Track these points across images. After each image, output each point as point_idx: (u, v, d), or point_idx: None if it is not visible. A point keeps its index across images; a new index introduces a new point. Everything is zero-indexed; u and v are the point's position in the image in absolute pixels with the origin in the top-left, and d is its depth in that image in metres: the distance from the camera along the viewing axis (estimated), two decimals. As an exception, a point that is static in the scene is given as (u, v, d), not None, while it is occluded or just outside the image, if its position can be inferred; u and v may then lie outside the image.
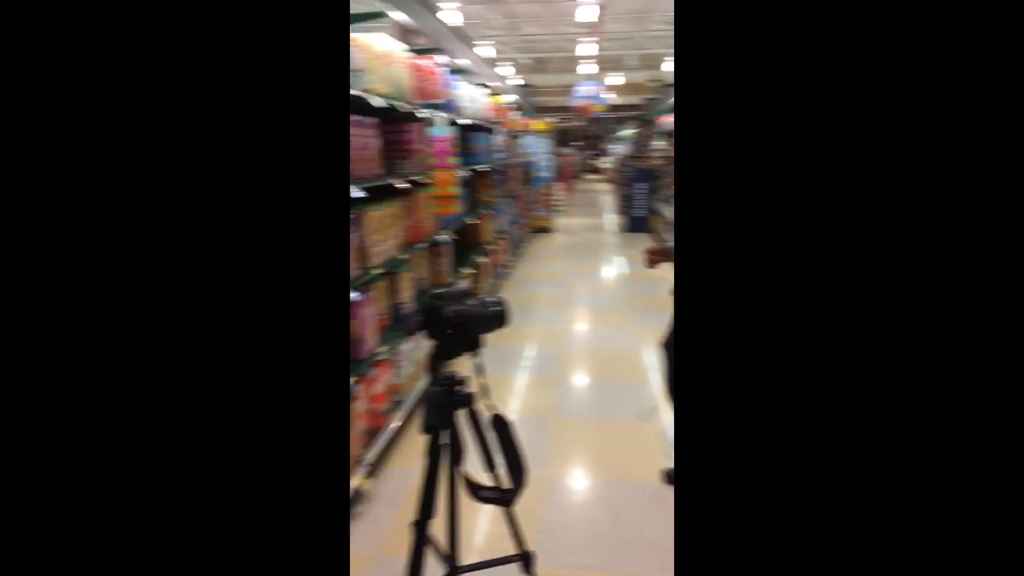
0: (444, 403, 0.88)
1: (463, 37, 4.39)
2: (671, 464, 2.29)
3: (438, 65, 3.15)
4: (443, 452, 0.91)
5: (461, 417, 0.91)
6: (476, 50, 9.75)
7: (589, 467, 2.29)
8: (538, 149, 7.94)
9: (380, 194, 2.50)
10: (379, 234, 2.32)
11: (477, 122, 4.10)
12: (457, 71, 3.60)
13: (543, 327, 4.03)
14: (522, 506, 1.95)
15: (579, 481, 2.20)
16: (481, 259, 4.37)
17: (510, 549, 1.05)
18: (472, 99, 4.09)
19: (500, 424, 0.92)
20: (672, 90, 8.84)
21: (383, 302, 2.48)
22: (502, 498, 0.98)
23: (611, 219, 9.36)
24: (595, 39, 10.93)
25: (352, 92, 2.03)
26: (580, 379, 3.16)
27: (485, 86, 4.51)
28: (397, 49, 2.57)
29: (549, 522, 1.94)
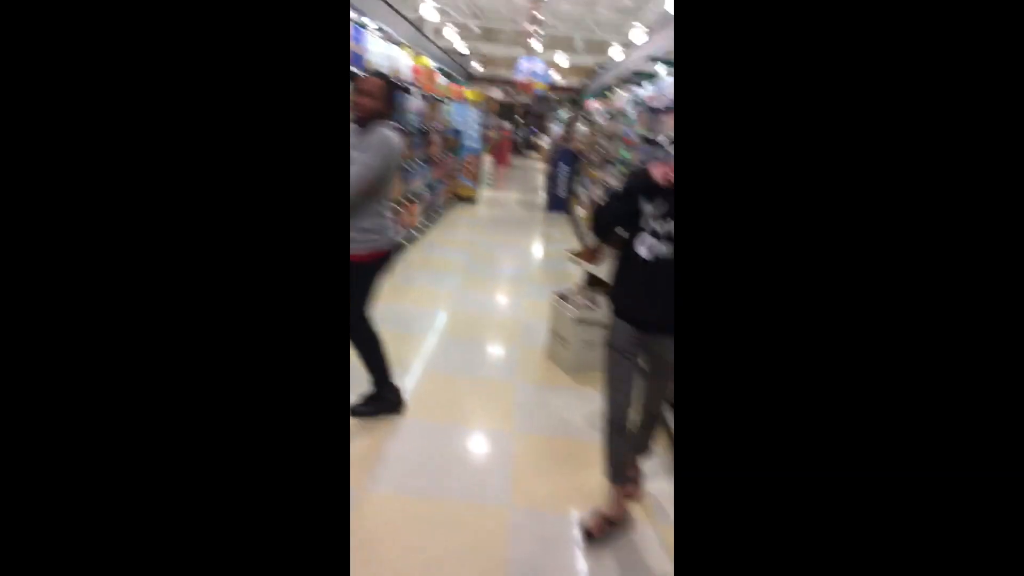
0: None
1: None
2: (516, 417, 2.52)
3: (342, 16, 3.16)
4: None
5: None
6: (421, 9, 9.53)
7: (437, 413, 2.48)
8: (468, 118, 7.98)
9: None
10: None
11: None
12: (363, 26, 3.60)
13: (433, 289, 4.19)
14: (372, 443, 2.13)
15: (424, 424, 2.39)
16: (384, 217, 4.43)
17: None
18: (387, 56, 4.11)
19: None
20: (597, 74, 9.05)
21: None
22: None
23: (540, 197, 9.57)
24: (539, 15, 10.95)
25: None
26: (453, 339, 3.35)
27: (403, 45, 4.51)
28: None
29: (384, 456, 2.12)
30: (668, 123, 3.05)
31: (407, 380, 2.73)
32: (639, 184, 1.59)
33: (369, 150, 2.01)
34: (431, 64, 5.63)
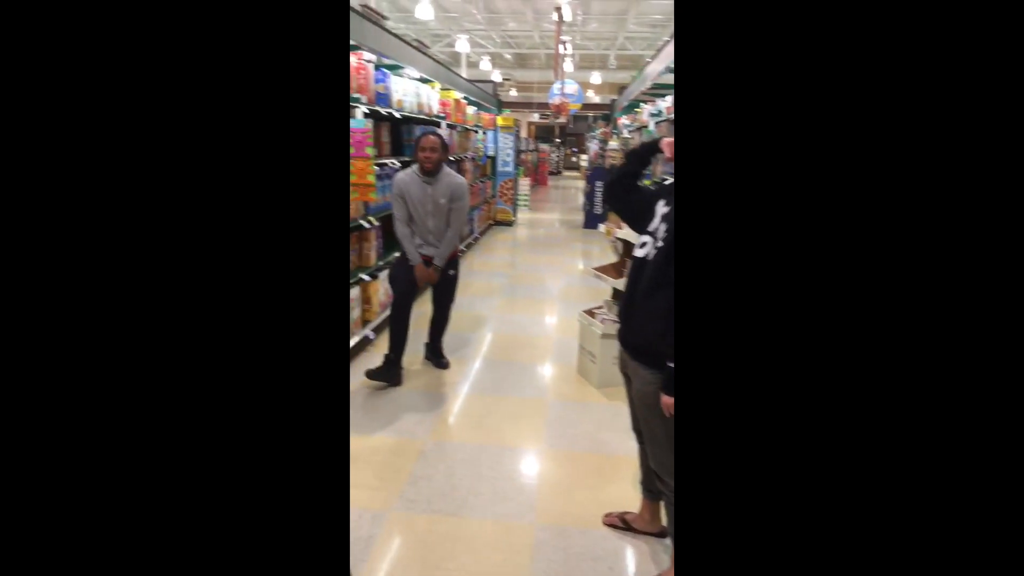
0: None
1: (435, 35, 4.59)
2: (548, 435, 2.55)
3: (366, 62, 3.36)
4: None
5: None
6: (458, 44, 9.88)
7: (464, 433, 2.53)
8: (500, 144, 8.16)
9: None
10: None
11: (415, 115, 4.31)
12: (386, 67, 3.80)
13: (473, 313, 4.27)
14: (396, 464, 2.21)
15: (452, 445, 2.44)
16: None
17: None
18: (413, 94, 4.30)
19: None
20: (622, 92, 9.04)
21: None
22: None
23: (580, 216, 9.60)
24: (570, 38, 11.13)
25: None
26: (487, 359, 3.40)
27: (426, 81, 4.71)
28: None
29: (416, 476, 2.19)
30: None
31: (444, 403, 2.80)
32: (647, 148, 1.62)
33: (459, 196, 2.90)
34: (458, 96, 5.84)
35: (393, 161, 3.81)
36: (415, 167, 2.86)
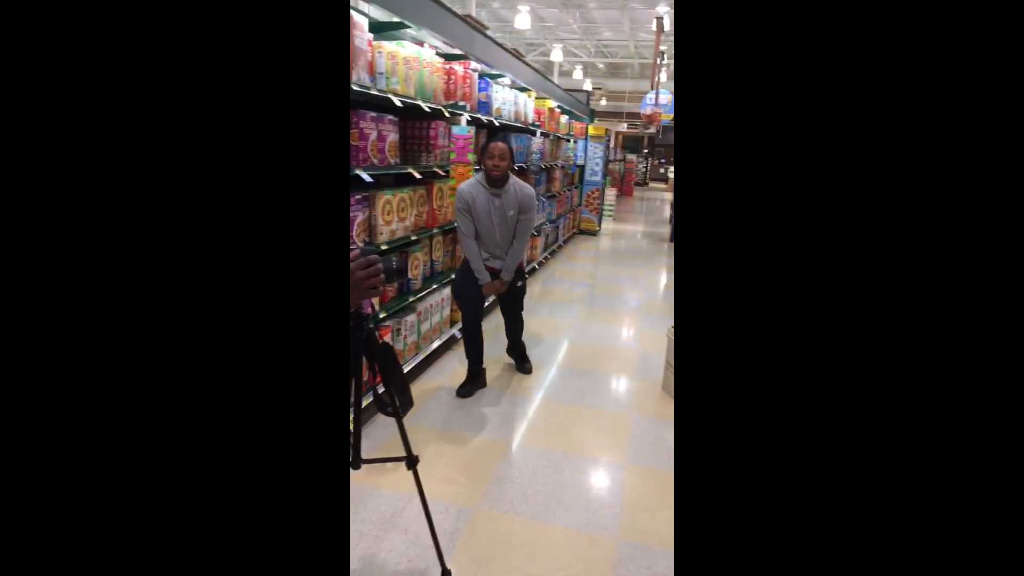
0: (356, 333, 1.20)
1: (530, 44, 4.67)
2: (632, 450, 2.52)
3: (471, 70, 3.47)
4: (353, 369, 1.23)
5: (360, 343, 1.22)
6: (553, 54, 9.99)
7: (546, 439, 2.55)
8: (590, 153, 8.13)
9: (398, 181, 2.86)
10: (389, 216, 2.68)
11: (512, 123, 4.40)
12: (489, 76, 3.91)
13: (553, 320, 4.29)
14: (480, 463, 2.26)
15: (534, 449, 2.46)
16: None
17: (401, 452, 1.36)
18: (511, 102, 4.40)
19: (386, 352, 1.23)
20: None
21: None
22: (393, 412, 1.28)
23: (667, 229, 9.38)
24: (666, 48, 10.92)
25: (372, 92, 2.39)
26: (571, 369, 3.40)
27: (524, 89, 4.79)
28: (427, 55, 2.91)
29: (499, 476, 2.23)
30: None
31: (527, 408, 2.84)
32: None
33: (527, 207, 2.77)
34: (553, 105, 5.89)
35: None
36: (479, 176, 2.73)
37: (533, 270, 5.66)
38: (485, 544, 1.85)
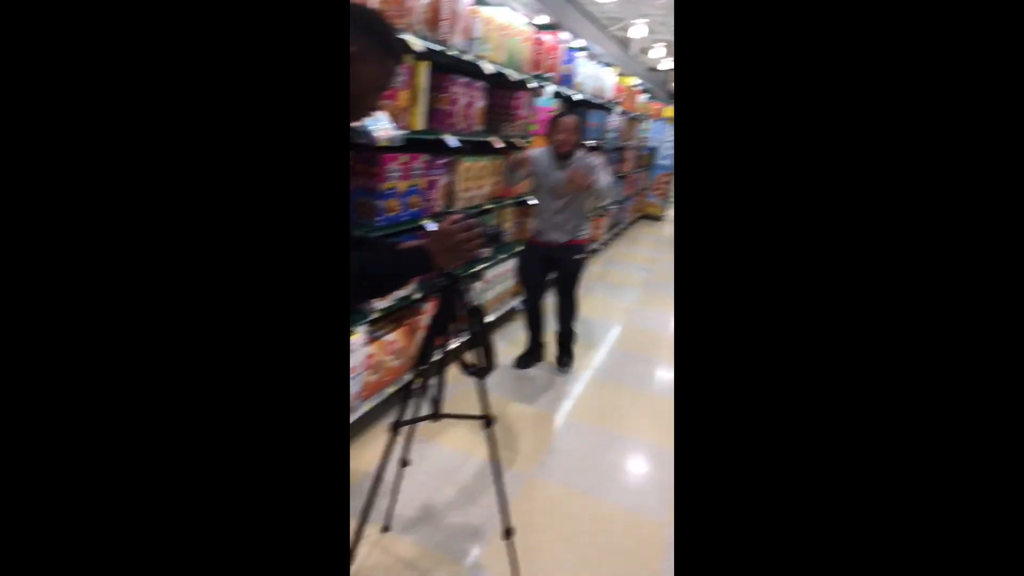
0: (447, 291, 1.24)
1: (610, 18, 4.54)
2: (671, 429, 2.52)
3: (560, 41, 3.43)
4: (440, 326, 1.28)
5: (456, 303, 1.27)
6: (632, 30, 9.67)
7: (599, 417, 2.57)
8: (664, 136, 7.91)
9: (477, 148, 2.88)
10: (468, 182, 2.71)
11: (592, 99, 4.33)
12: (577, 48, 3.84)
13: (610, 302, 4.27)
14: (537, 433, 2.31)
15: (587, 426, 2.49)
16: (572, 228, 4.66)
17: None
18: (593, 77, 4.32)
19: (477, 314, 1.26)
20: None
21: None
22: (477, 372, 1.32)
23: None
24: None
25: (466, 57, 2.41)
26: (618, 350, 3.39)
27: (608, 65, 4.69)
28: (519, 23, 2.89)
29: (553, 448, 2.28)
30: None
31: (582, 385, 2.87)
32: None
33: (597, 170, 2.57)
34: (634, 83, 5.74)
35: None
36: (549, 148, 2.65)
37: (595, 251, 5.63)
38: (538, 510, 1.90)
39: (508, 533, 1.49)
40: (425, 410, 1.40)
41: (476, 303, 1.27)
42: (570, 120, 2.58)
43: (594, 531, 1.84)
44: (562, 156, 2.61)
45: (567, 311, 2.90)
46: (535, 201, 2.78)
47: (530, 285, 2.88)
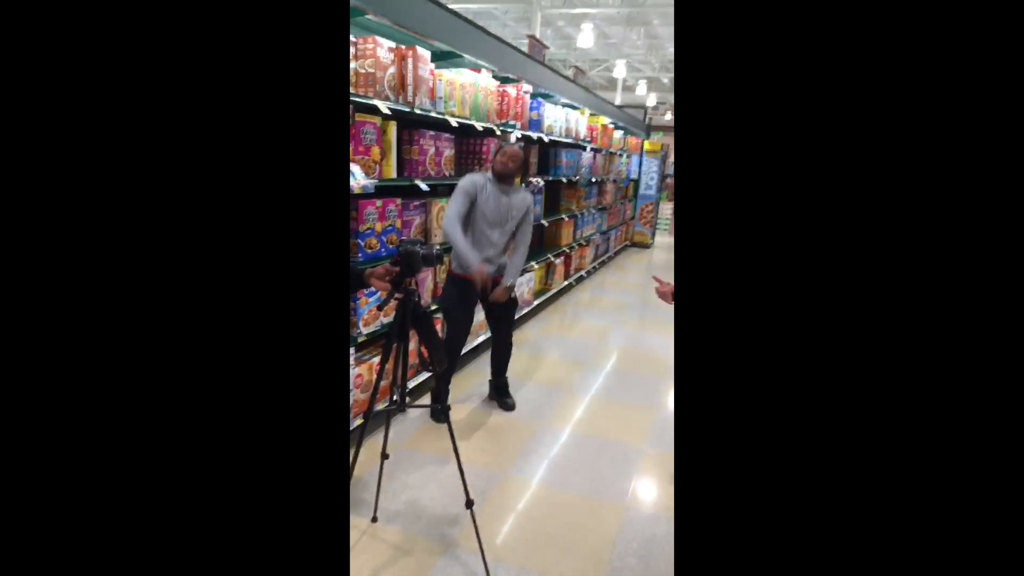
0: (405, 301, 1.55)
1: (593, 60, 4.94)
2: (651, 436, 2.74)
3: (523, 92, 3.84)
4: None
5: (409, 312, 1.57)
6: (616, 70, 10.22)
7: (576, 424, 2.82)
8: (646, 168, 8.32)
9: (450, 190, 3.24)
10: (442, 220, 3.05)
11: (563, 139, 4.73)
12: (540, 96, 4.26)
13: (599, 326, 4.55)
14: (520, 439, 2.57)
15: (563, 430, 2.74)
16: (554, 259, 4.98)
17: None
18: (562, 119, 4.73)
19: (426, 319, 1.57)
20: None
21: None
22: (429, 367, 1.62)
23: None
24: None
25: (432, 115, 2.79)
26: (603, 367, 3.65)
27: (575, 108, 5.11)
28: (483, 80, 3.30)
29: (531, 453, 2.53)
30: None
31: (563, 398, 3.13)
32: None
33: (529, 213, 2.65)
34: (607, 121, 6.17)
35: (539, 179, 4.26)
36: (486, 172, 2.60)
37: (581, 278, 5.93)
38: (510, 501, 2.15)
39: (469, 504, 1.74)
40: (395, 402, 1.70)
41: (425, 311, 1.58)
42: (514, 149, 2.55)
43: (560, 514, 2.08)
44: (501, 178, 2.55)
45: (503, 349, 2.78)
46: (463, 206, 2.51)
47: (454, 323, 2.60)
